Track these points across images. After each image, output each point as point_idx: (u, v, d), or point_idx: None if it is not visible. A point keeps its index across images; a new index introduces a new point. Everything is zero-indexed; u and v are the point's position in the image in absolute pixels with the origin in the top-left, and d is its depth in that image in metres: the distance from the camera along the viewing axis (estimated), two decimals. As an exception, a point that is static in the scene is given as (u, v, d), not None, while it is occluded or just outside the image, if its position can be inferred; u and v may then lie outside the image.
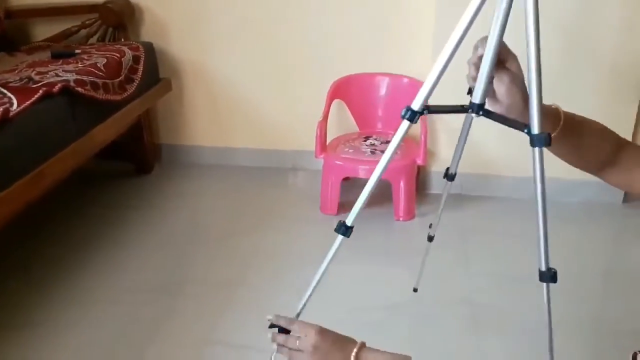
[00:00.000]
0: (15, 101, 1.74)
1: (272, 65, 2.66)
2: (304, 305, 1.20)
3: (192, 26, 2.63)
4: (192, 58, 2.68)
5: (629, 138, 2.35)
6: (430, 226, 1.69)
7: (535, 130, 1.00)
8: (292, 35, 2.59)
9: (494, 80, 0.97)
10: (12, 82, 1.92)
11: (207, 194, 2.61)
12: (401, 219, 2.36)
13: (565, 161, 1.03)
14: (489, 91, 1.00)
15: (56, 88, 1.84)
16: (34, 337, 1.70)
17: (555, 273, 1.09)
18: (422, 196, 2.53)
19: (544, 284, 1.11)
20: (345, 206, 2.44)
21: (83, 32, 2.57)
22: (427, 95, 1.07)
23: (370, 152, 2.38)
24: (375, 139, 2.49)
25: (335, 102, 2.58)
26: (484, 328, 1.73)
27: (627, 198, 2.45)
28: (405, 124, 1.09)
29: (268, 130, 2.78)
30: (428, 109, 1.10)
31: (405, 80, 2.53)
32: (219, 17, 2.59)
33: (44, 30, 2.65)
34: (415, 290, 1.81)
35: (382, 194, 2.49)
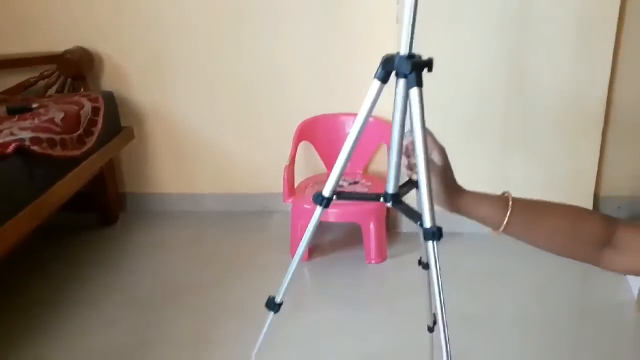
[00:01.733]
0: (-34, 165, 1.67)
1: (237, 108, 2.64)
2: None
3: (153, 72, 2.59)
4: (155, 103, 2.64)
5: (593, 175, 2.37)
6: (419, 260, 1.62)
7: (427, 224, 1.02)
8: (257, 77, 2.58)
9: None
10: (-37, 142, 1.86)
11: (174, 244, 2.54)
12: (373, 261, 2.33)
13: (544, 249, 0.94)
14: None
15: (10, 148, 1.78)
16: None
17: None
18: (393, 235, 2.50)
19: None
20: (316, 250, 2.40)
21: (41, 83, 2.52)
22: (335, 183, 1.11)
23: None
24: (343, 180, 2.47)
25: (302, 143, 2.56)
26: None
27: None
28: (318, 209, 1.12)
29: (234, 174, 2.74)
30: (339, 195, 1.13)
31: (371, 119, 2.52)
32: (180, 62, 2.57)
33: (0, 82, 2.59)
34: (430, 330, 1.68)
35: (352, 237, 2.46)
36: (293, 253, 2.41)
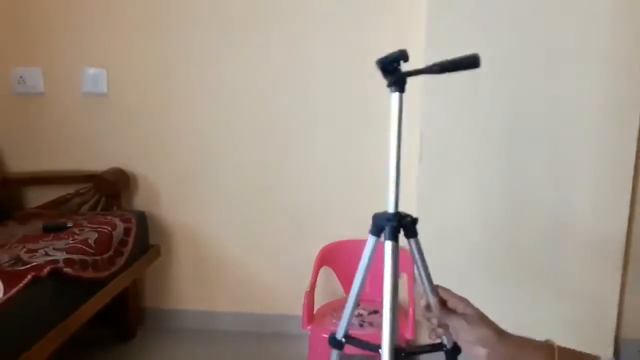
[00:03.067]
0: (2, 288, 1.73)
1: (261, 228, 2.71)
2: None
3: (183, 190, 2.71)
4: (182, 221, 2.73)
5: (613, 318, 2.36)
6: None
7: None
8: (283, 201, 2.67)
9: (452, 330, 0.97)
10: (1, 262, 1.93)
11: (190, 365, 2.53)
12: (391, 396, 2.28)
13: None
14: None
15: (45, 272, 1.85)
16: None
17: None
18: (411, 367, 2.47)
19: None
20: (332, 381, 2.37)
21: (76, 199, 2.63)
22: (347, 325, 1.17)
23: (359, 324, 2.36)
24: (363, 309, 2.48)
25: (323, 268, 2.60)
26: None
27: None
28: (334, 353, 1.17)
29: (254, 294, 2.76)
30: (349, 341, 1.19)
31: (392, 248, 2.58)
32: (210, 181, 2.68)
33: (37, 196, 2.71)
34: None
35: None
36: (309, 383, 2.39)
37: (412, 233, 1.17)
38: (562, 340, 2.62)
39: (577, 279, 2.36)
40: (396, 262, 1.19)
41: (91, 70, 2.62)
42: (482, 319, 0.94)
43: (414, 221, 1.20)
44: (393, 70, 1.17)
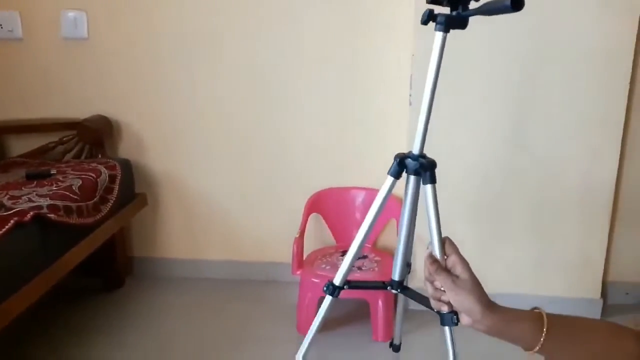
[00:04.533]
0: (-16, 233, 1.70)
1: (249, 176, 2.68)
2: None
3: (168, 139, 2.66)
4: (168, 170, 2.69)
5: (601, 262, 2.38)
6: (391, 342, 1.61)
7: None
8: (270, 149, 2.64)
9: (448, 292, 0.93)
10: (-18, 208, 1.89)
11: (178, 311, 2.53)
12: (379, 339, 2.31)
13: None
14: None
15: (28, 217, 1.81)
16: None
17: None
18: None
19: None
20: (323, 326, 2.38)
21: (60, 148, 2.58)
22: (346, 272, 1.15)
23: (347, 270, 2.36)
24: (352, 255, 2.49)
25: (312, 214, 2.59)
26: None
27: (605, 314, 2.45)
28: (327, 299, 1.15)
29: (243, 242, 2.76)
30: (349, 284, 1.18)
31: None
32: (195, 130, 2.63)
33: (20, 145, 2.65)
34: None
35: (359, 314, 2.45)
36: (299, 327, 2.41)
37: (432, 178, 1.15)
38: (553, 282, 2.67)
39: (567, 224, 2.37)
40: (417, 197, 1.18)
41: (70, 13, 2.53)
42: (473, 289, 0.89)
43: (435, 165, 1.17)
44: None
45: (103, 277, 2.65)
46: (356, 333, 2.35)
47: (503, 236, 2.43)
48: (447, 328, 1.07)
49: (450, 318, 1.06)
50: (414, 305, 2.52)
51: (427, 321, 2.42)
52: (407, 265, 1.24)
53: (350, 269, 1.15)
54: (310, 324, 2.35)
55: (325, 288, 1.15)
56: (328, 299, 1.15)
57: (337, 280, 1.16)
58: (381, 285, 1.26)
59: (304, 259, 2.47)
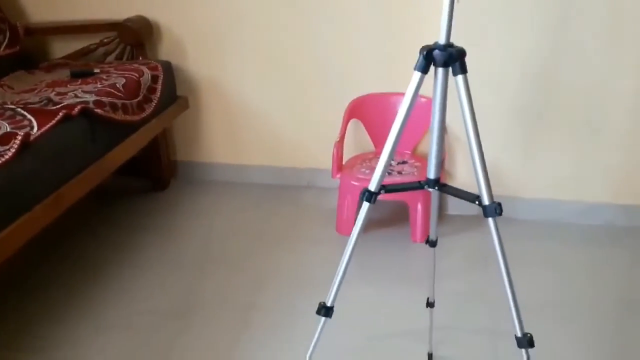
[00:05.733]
0: (35, 124, 1.74)
1: (289, 83, 2.66)
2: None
3: (209, 43, 2.63)
4: (209, 75, 2.68)
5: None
6: (427, 301, 1.63)
7: (486, 201, 1.04)
8: (310, 53, 2.59)
9: None
10: (31, 103, 1.93)
11: (222, 213, 2.60)
12: (418, 241, 2.34)
13: None
14: None
15: (76, 110, 1.85)
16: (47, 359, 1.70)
17: (531, 337, 1.08)
18: (439, 218, 2.49)
19: (523, 349, 1.10)
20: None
21: (101, 49, 2.59)
22: (381, 177, 1.13)
23: (387, 172, 2.36)
24: (392, 160, 2.48)
25: (352, 120, 2.57)
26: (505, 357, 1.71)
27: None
28: (365, 205, 1.14)
29: (283, 148, 2.77)
30: (385, 189, 1.16)
31: (423, 100, 2.52)
32: (235, 35, 2.60)
33: (62, 47, 2.67)
34: (430, 305, 1.68)
35: (399, 216, 2.47)
36: (338, 229, 2.46)
37: (462, 68, 1.10)
38: (600, 187, 2.62)
39: (612, 128, 2.30)
40: (446, 87, 1.14)
41: None
42: None
43: (464, 54, 1.11)
44: None
45: (149, 180, 2.72)
46: (395, 235, 2.38)
47: (544, 141, 2.37)
48: (490, 219, 1.06)
49: (494, 209, 1.05)
50: (452, 210, 2.56)
51: (463, 226, 2.45)
52: (441, 163, 1.21)
53: (384, 174, 1.14)
54: (350, 225, 2.41)
55: (361, 195, 1.14)
56: (365, 205, 1.14)
57: (373, 187, 1.15)
58: (417, 185, 1.24)
59: (344, 163, 2.48)
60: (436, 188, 1.20)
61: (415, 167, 2.43)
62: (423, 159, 2.50)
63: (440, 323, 1.79)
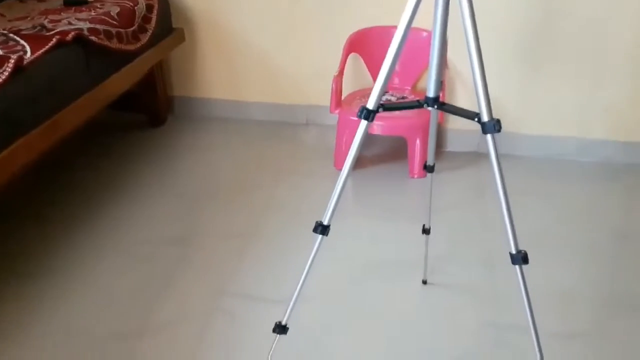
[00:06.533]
0: (29, 49, 1.71)
1: (287, 18, 2.59)
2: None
3: (205, -26, 2.56)
4: (206, 8, 2.62)
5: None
6: (423, 227, 1.63)
7: (485, 118, 1.02)
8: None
9: None
10: (24, 29, 1.89)
11: (220, 148, 2.59)
12: (416, 176, 2.34)
13: None
14: None
15: (70, 36, 1.81)
16: (48, 285, 1.72)
17: (525, 254, 1.09)
18: (438, 154, 2.50)
19: (517, 266, 1.10)
20: (359, 162, 2.42)
21: (95, -22, 2.51)
22: (379, 95, 1.11)
23: (386, 108, 2.34)
24: (392, 95, 2.45)
25: (351, 55, 2.53)
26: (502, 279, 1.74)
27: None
28: (363, 123, 1.12)
29: (282, 84, 2.74)
30: (383, 107, 1.13)
31: (424, 34, 2.47)
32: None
33: (55, -23, 2.60)
34: (426, 232, 1.66)
35: (397, 151, 2.47)
36: (337, 164, 2.45)
37: None
38: (600, 124, 2.62)
39: (615, 66, 2.27)
40: (447, 7, 1.10)
41: None
42: None
43: None
44: None
45: (145, 115, 2.70)
46: (394, 171, 2.38)
47: (548, 77, 2.34)
48: (489, 136, 1.05)
49: (492, 125, 1.04)
50: (450, 146, 2.55)
51: (461, 162, 2.45)
52: (440, 83, 1.19)
53: (382, 92, 1.11)
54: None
55: (359, 113, 1.12)
56: (363, 123, 1.12)
57: (371, 104, 1.13)
58: (416, 104, 1.22)
59: (342, 99, 2.46)
60: (435, 107, 1.18)
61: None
62: (422, 94, 2.47)
63: (435, 253, 1.81)
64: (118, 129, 2.69)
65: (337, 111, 2.38)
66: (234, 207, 2.13)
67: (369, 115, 1.13)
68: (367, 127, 1.15)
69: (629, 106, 2.33)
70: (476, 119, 1.06)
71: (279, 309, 1.27)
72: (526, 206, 2.12)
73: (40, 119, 1.67)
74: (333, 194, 1.18)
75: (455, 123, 2.49)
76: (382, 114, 1.15)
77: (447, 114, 2.48)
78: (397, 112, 2.33)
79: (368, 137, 2.54)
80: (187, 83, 2.80)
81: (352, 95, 2.50)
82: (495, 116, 1.06)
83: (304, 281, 1.22)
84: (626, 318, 1.61)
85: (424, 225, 1.62)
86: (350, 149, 1.15)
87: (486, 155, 1.07)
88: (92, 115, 1.97)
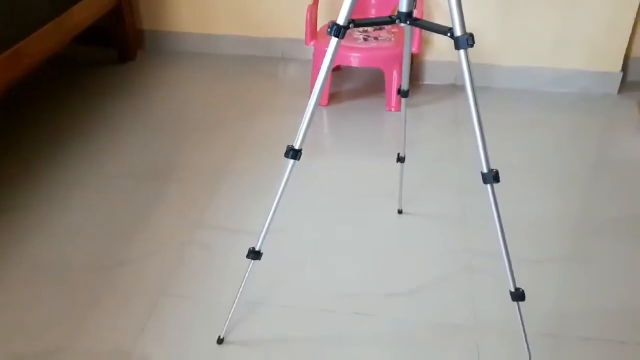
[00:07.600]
0: (-16, -27, 1.62)
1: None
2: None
3: None
4: None
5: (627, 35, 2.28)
6: (398, 155, 1.62)
7: (458, 32, 0.99)
8: None
9: None
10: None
11: (192, 83, 2.53)
12: (393, 109, 2.32)
13: None
14: None
15: (28, -40, 1.71)
16: (23, 219, 1.70)
17: (497, 173, 1.08)
18: (415, 87, 2.48)
19: (488, 185, 1.10)
20: (336, 96, 2.39)
21: None
22: (349, 10, 1.05)
23: (363, 39, 2.29)
24: (368, 32, 2.40)
25: (327, -15, 2.45)
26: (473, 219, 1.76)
27: (623, 88, 2.42)
28: (333, 40, 1.07)
29: (255, 17, 2.65)
30: (354, 22, 1.08)
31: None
32: None
33: None
34: (401, 160, 1.64)
35: (374, 85, 2.44)
36: (313, 96, 2.41)
37: None
38: (576, 55, 2.60)
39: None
40: None
41: None
42: None
43: None
44: None
45: (114, 48, 2.61)
46: (370, 105, 2.36)
47: (524, 7, 2.30)
48: (461, 52, 1.02)
49: (465, 39, 1.00)
50: (427, 79, 2.53)
51: (438, 95, 2.43)
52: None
53: (353, 6, 1.06)
54: (324, 94, 2.37)
55: (329, 29, 1.07)
56: (334, 40, 1.07)
57: (341, 20, 1.07)
58: (389, 20, 1.17)
59: (318, 30, 2.39)
60: (408, 22, 1.14)
61: (392, 33, 2.35)
62: (400, 28, 2.42)
63: (410, 183, 1.81)
64: (87, 65, 2.60)
65: (312, 43, 2.32)
66: (209, 142, 2.10)
67: (339, 31, 1.08)
68: (338, 44, 1.11)
69: (605, 36, 2.31)
70: (449, 34, 1.03)
71: (253, 239, 1.27)
72: (501, 137, 2.12)
73: (2, 46, 1.59)
74: (304, 116, 1.16)
75: (432, 54, 2.45)
76: (359, 45, 1.11)
77: (424, 46, 2.45)
78: (374, 43, 2.29)
79: (345, 72, 2.50)
80: (157, 16, 2.70)
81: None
82: (472, 49, 1.04)
83: (277, 205, 1.21)
84: (598, 242, 1.64)
85: (398, 154, 1.61)
86: (322, 68, 1.11)
87: (463, 88, 1.05)
88: (57, 46, 1.90)
